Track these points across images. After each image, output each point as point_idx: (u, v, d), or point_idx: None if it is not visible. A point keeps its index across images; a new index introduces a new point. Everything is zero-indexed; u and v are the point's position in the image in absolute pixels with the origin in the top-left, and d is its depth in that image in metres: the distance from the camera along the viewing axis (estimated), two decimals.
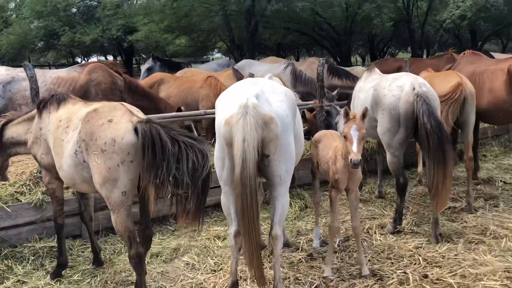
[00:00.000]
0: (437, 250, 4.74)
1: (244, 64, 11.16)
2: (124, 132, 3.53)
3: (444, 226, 5.36)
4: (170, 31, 20.78)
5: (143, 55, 19.47)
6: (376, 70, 6.05)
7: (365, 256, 4.61)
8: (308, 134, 8.73)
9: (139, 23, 20.71)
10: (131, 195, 3.63)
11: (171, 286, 4.30)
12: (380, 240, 5.09)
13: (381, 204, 6.28)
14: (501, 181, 6.95)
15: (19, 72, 6.52)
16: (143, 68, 11.92)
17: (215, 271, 4.52)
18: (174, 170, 3.35)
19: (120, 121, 3.60)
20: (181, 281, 4.38)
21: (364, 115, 4.00)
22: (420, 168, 7.15)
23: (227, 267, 4.52)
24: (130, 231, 3.65)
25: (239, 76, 8.45)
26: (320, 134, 4.97)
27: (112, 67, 6.96)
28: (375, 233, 5.25)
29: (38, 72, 6.70)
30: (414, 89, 4.96)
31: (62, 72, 6.79)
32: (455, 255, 4.63)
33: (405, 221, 5.52)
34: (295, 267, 4.57)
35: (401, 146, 5.17)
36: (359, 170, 4.18)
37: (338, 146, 4.28)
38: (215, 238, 5.27)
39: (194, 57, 27.90)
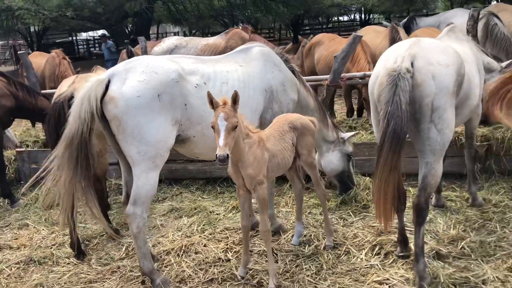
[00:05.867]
0: None
1: (452, 14, 9.27)
2: None
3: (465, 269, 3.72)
4: None
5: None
6: (452, 30, 4.02)
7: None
8: None
9: None
10: None
11: None
12: (360, 259, 4.07)
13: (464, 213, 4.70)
14: None
15: (183, 41, 8.04)
16: None
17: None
18: None
19: None
20: None
21: (235, 101, 3.27)
22: None
23: None
24: None
25: (394, 35, 7.17)
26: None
27: (249, 33, 7.52)
28: (371, 250, 4.19)
29: (195, 40, 8.06)
30: (395, 62, 3.35)
31: (211, 39, 7.87)
32: None
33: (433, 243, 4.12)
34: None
35: None
36: (247, 166, 3.52)
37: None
38: None
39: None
